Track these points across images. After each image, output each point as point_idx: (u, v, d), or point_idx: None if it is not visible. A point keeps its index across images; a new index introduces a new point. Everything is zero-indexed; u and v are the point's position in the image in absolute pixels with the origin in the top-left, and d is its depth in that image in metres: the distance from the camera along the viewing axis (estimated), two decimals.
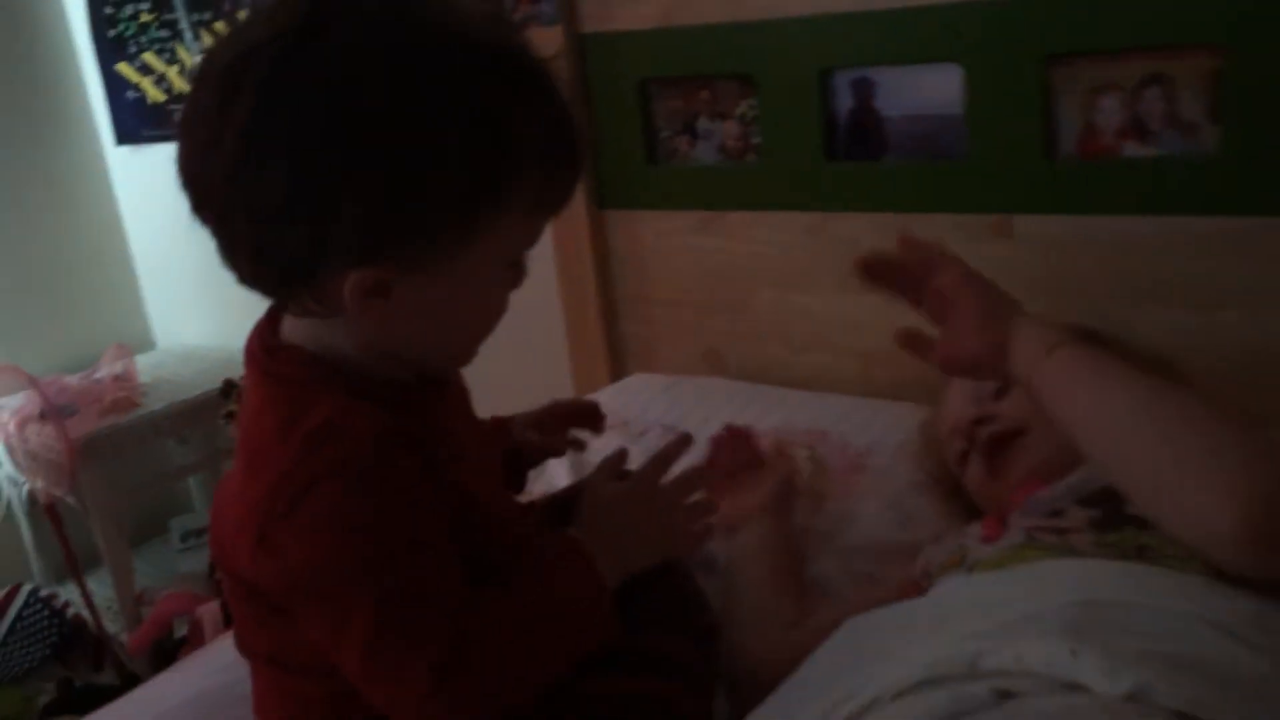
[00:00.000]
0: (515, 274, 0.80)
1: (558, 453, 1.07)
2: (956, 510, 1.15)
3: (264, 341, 0.81)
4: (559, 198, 0.78)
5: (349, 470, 0.73)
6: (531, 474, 1.06)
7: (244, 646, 0.88)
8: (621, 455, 0.93)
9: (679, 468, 0.91)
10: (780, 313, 1.65)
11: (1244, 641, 0.65)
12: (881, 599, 1.01)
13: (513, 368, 1.47)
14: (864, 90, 1.48)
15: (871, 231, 1.51)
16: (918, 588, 0.97)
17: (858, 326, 1.57)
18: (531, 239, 0.79)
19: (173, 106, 2.41)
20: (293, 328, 0.80)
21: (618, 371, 1.84)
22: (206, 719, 1.01)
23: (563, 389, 1.87)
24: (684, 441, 0.91)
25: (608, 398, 1.61)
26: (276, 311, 0.82)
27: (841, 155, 1.53)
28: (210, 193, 0.72)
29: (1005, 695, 0.64)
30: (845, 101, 1.50)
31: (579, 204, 1.75)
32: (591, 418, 1.07)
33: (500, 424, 1.04)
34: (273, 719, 0.88)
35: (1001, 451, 1.04)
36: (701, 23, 1.57)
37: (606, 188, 1.75)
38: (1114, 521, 0.83)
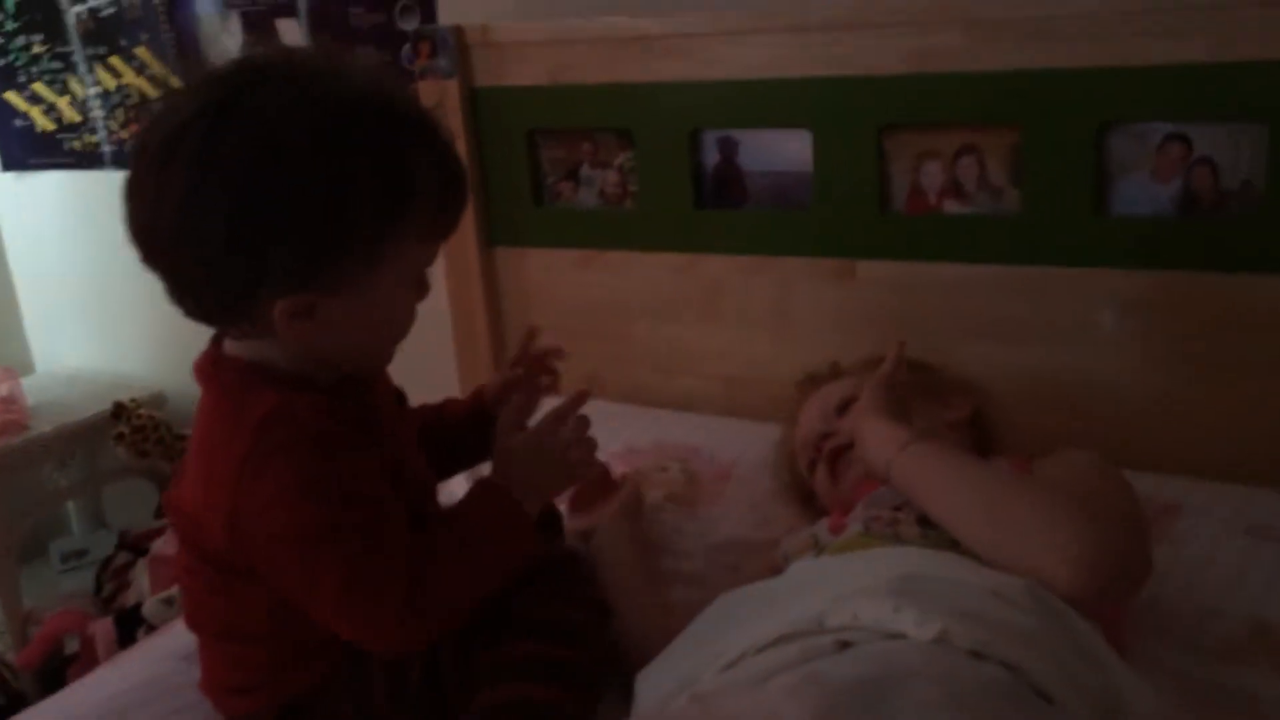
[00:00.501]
0: (420, 288, 0.96)
1: (539, 391, 1.19)
2: (807, 513, 1.35)
3: (211, 359, 0.97)
4: (449, 223, 0.95)
5: (300, 443, 0.88)
6: None
7: (196, 623, 1.01)
8: (518, 407, 1.07)
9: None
10: (654, 341, 1.81)
11: (1018, 606, 0.85)
12: (746, 581, 1.21)
13: (408, 390, 1.60)
14: (729, 148, 1.66)
15: (734, 271, 1.70)
16: (776, 570, 1.15)
17: (722, 354, 1.75)
18: (428, 260, 0.95)
19: (61, 135, 2.45)
20: (233, 345, 0.96)
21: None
22: (147, 702, 1.10)
23: None
24: (580, 398, 1.05)
25: None
26: (217, 338, 0.98)
27: (708, 204, 1.70)
28: (158, 243, 0.87)
29: (845, 645, 0.82)
30: (712, 157, 1.68)
31: (470, 241, 1.89)
32: (552, 353, 1.22)
33: (475, 398, 1.18)
34: (221, 688, 1.01)
35: (840, 460, 1.24)
36: (585, 82, 1.72)
37: (496, 226, 1.89)
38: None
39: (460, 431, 1.16)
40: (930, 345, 1.46)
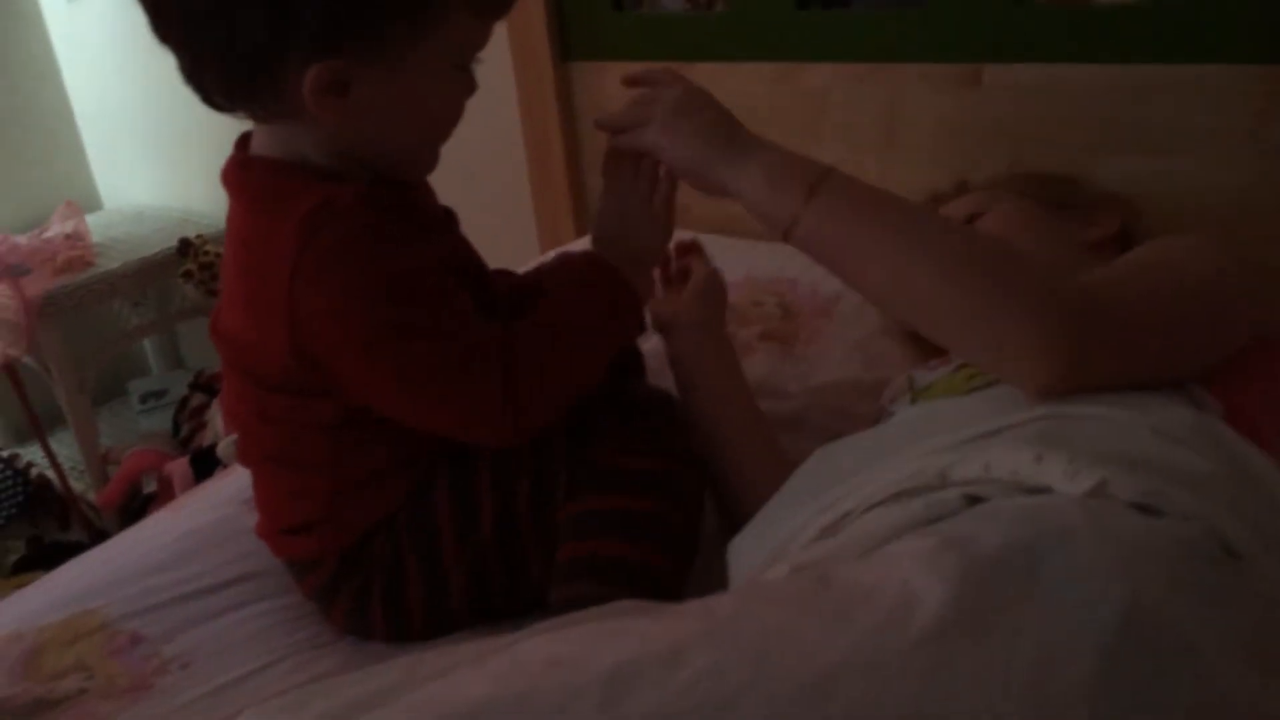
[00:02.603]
0: (466, 79, 0.84)
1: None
2: (922, 351, 1.20)
3: (238, 163, 0.85)
4: (498, 3, 0.82)
5: (354, 239, 0.78)
6: None
7: (249, 455, 0.93)
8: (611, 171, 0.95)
9: None
10: None
11: (1187, 445, 0.69)
12: (849, 426, 1.07)
13: (479, 219, 1.47)
14: None
15: (839, 81, 1.51)
16: (879, 418, 1.02)
17: None
18: (479, 41, 0.83)
19: None
20: (261, 144, 0.84)
21: (583, 226, 1.84)
22: (204, 548, 1.03)
23: (528, 241, 1.88)
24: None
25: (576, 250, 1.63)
26: (242, 142, 0.87)
27: (811, 2, 1.51)
28: (170, 2, 0.75)
29: (975, 500, 0.68)
30: None
31: (542, 54, 1.72)
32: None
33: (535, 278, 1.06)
34: (279, 528, 0.93)
35: None
36: None
37: (571, 37, 1.72)
38: None
39: (511, 305, 1.03)
40: (1070, 161, 1.29)
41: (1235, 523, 0.62)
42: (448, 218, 0.96)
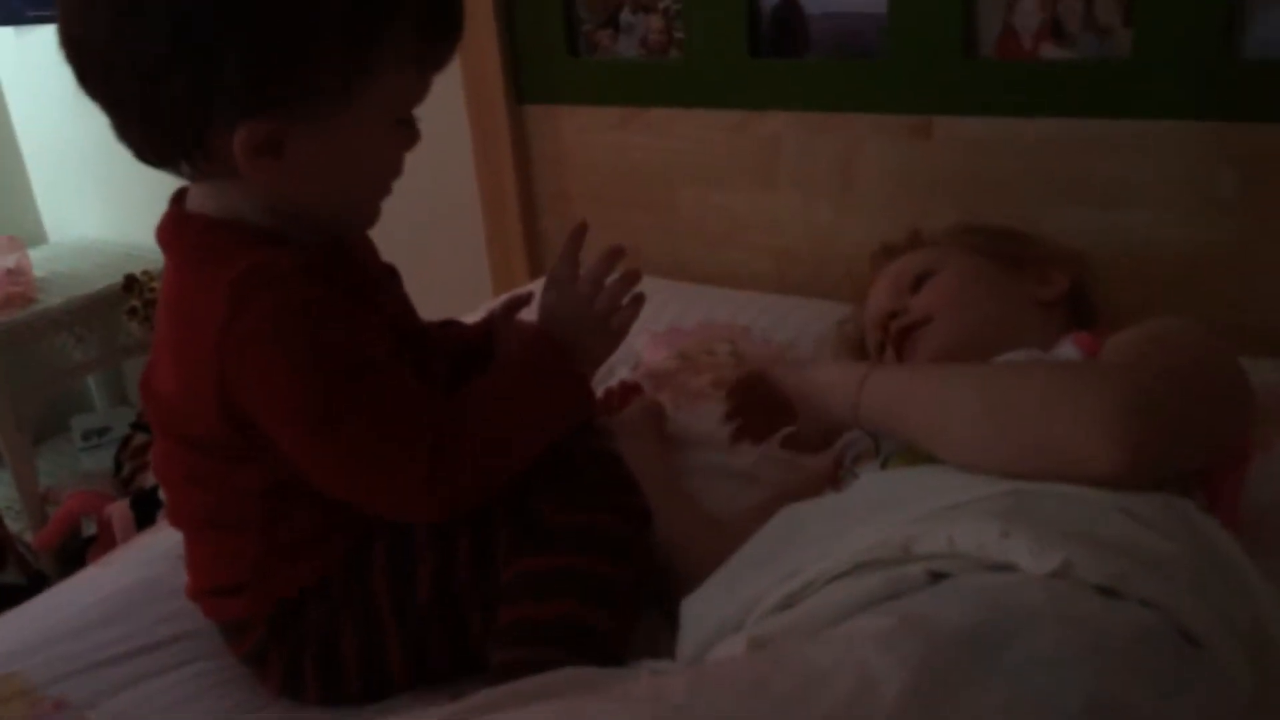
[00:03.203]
0: (407, 133, 0.83)
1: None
2: None
3: (174, 219, 0.83)
4: (437, 55, 0.80)
5: (286, 309, 0.76)
6: None
7: (180, 516, 0.90)
8: (565, 257, 0.92)
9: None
10: (701, 210, 1.65)
11: (1155, 527, 0.68)
12: (803, 482, 1.06)
13: (432, 264, 1.46)
14: None
15: (792, 130, 1.52)
16: (835, 471, 1.00)
17: (776, 225, 1.59)
18: (415, 97, 0.81)
19: None
20: (196, 201, 0.82)
21: (536, 269, 1.83)
22: (134, 608, 1.00)
23: (482, 286, 1.86)
24: (614, 255, 0.90)
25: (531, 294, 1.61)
26: (179, 197, 0.84)
27: (765, 52, 1.52)
28: (92, 56, 0.73)
29: (938, 576, 0.67)
30: None
31: (497, 98, 1.72)
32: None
33: (485, 321, 1.05)
34: (209, 589, 0.90)
35: (908, 341, 1.07)
36: None
37: (526, 81, 1.72)
38: None
39: (460, 355, 1.01)
40: (1017, 212, 1.29)
41: (1198, 609, 0.62)
42: (390, 276, 0.94)
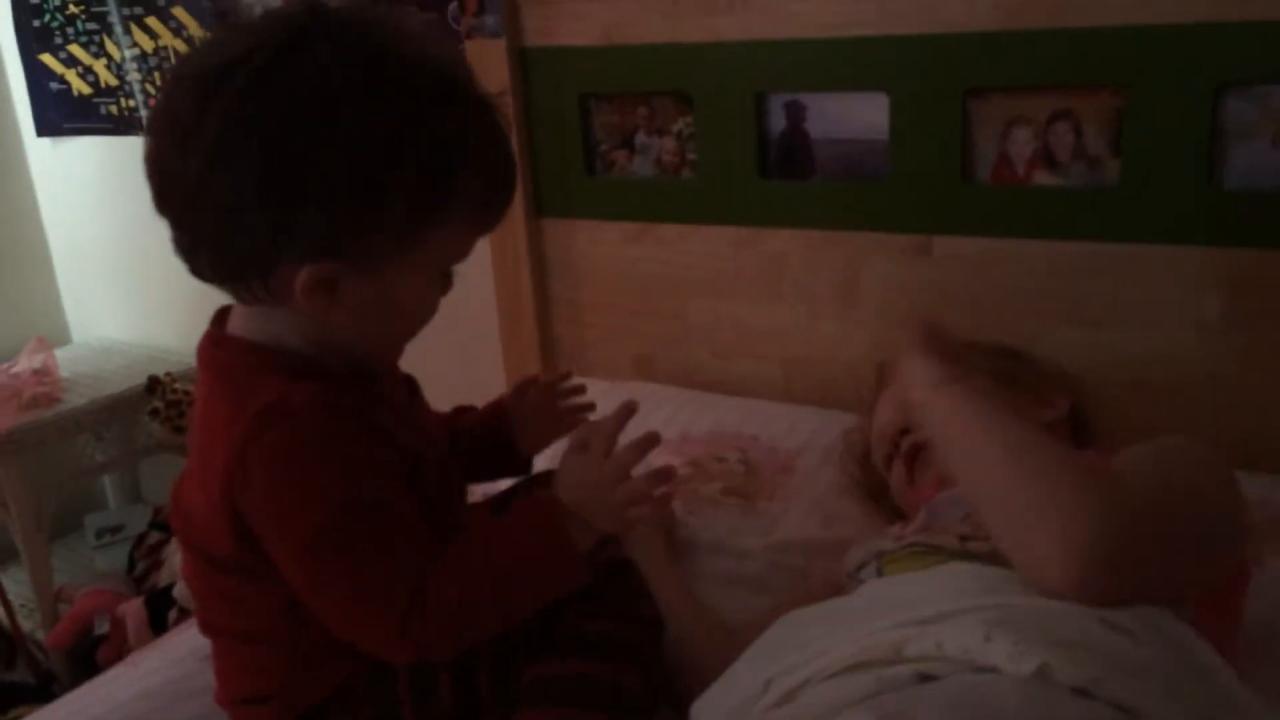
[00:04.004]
0: (445, 282, 0.87)
1: (568, 427, 1.07)
2: (880, 511, 1.23)
3: (213, 340, 0.88)
4: (494, 217, 0.85)
5: (298, 443, 0.79)
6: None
7: (208, 626, 0.93)
8: (590, 428, 0.93)
9: (626, 437, 0.89)
10: (710, 321, 1.70)
11: (1130, 635, 0.72)
12: (810, 591, 1.09)
13: (449, 367, 1.50)
14: (796, 113, 1.54)
15: (799, 246, 1.59)
16: (843, 583, 1.04)
17: (781, 335, 1.64)
18: (465, 251, 0.86)
19: (97, 99, 2.38)
20: (239, 324, 0.87)
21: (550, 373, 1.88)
22: (163, 709, 1.03)
23: (497, 390, 1.91)
24: (627, 411, 0.90)
25: None
26: (221, 315, 0.89)
27: (773, 174, 1.59)
28: (179, 186, 0.78)
29: (926, 678, 0.71)
30: (778, 122, 1.56)
31: (517, 211, 1.79)
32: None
33: (495, 406, 1.08)
34: (237, 697, 0.93)
35: (919, 458, 1.11)
36: (642, 42, 1.61)
37: (544, 196, 1.79)
38: None
39: (477, 440, 1.06)
40: (1013, 330, 1.34)
41: (1171, 711, 0.65)
42: (409, 390, 0.98)
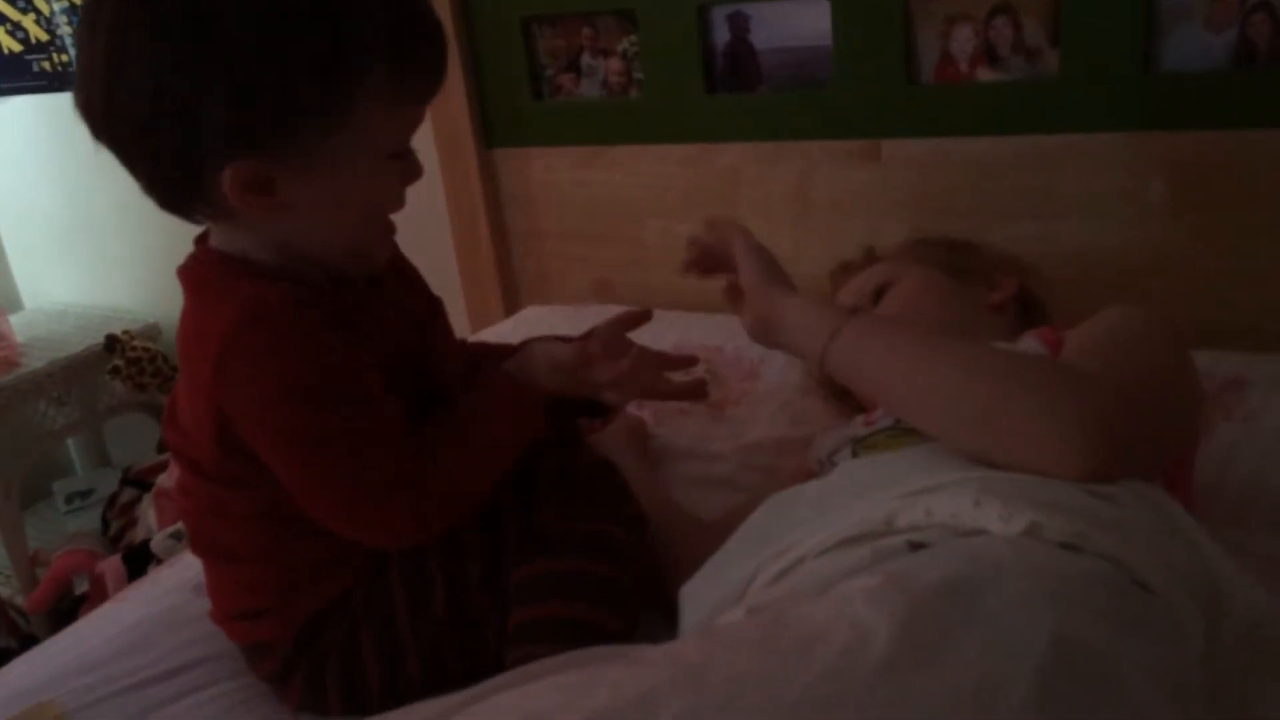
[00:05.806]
0: (403, 166, 0.86)
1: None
2: (843, 407, 1.27)
3: (193, 257, 0.89)
4: (421, 80, 0.83)
5: (276, 342, 0.81)
6: None
7: (199, 547, 0.95)
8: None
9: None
10: (667, 241, 1.71)
11: (1109, 498, 0.76)
12: (781, 485, 1.12)
13: None
14: (739, 24, 1.55)
15: (750, 160, 1.60)
16: (810, 472, 1.07)
17: None
18: (403, 129, 0.84)
19: (30, 56, 2.32)
20: (213, 241, 0.88)
21: (511, 305, 1.89)
22: (155, 636, 1.04)
23: (459, 323, 1.90)
24: (643, 315, 1.00)
25: (506, 331, 1.68)
26: (202, 238, 0.90)
27: (720, 88, 1.60)
28: (95, 116, 0.79)
29: (918, 546, 0.73)
30: (722, 35, 1.56)
31: (466, 142, 1.79)
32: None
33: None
34: (232, 615, 0.95)
35: None
36: None
37: (493, 126, 1.79)
38: None
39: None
40: (964, 226, 1.37)
41: (1151, 561, 0.69)
42: (429, 310, 0.98)
